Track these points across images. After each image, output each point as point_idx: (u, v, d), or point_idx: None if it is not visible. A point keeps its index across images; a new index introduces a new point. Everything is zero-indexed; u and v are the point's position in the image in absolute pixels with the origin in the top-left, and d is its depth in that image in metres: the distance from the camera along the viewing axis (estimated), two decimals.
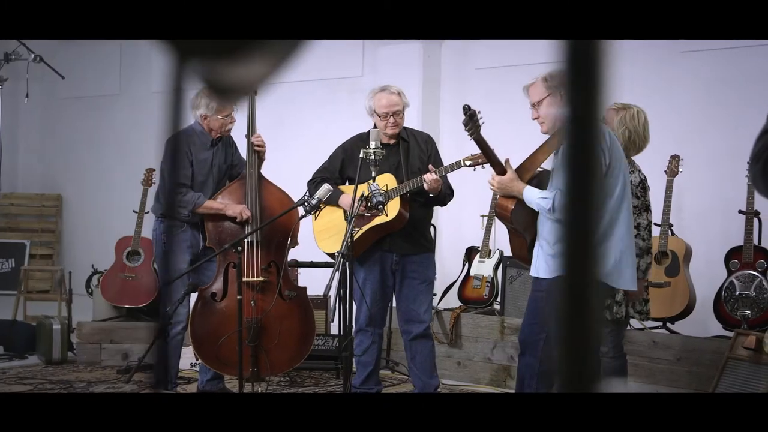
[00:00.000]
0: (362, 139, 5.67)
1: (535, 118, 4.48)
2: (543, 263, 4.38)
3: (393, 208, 5.34)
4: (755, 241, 5.96)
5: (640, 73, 7.60)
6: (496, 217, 4.57)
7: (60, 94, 11.15)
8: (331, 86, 9.33)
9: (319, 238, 5.61)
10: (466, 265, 7.10)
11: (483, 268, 6.95)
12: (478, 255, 7.02)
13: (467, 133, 4.38)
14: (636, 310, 5.08)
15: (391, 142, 5.59)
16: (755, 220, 5.98)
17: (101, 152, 10.99)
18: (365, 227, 5.30)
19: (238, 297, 5.04)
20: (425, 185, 5.25)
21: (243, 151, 6.04)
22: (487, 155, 4.43)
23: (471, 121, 4.27)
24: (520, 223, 4.46)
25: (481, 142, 4.42)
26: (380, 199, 4.86)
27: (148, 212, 7.47)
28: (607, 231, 4.26)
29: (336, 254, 4.67)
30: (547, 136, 4.67)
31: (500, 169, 4.39)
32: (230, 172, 5.94)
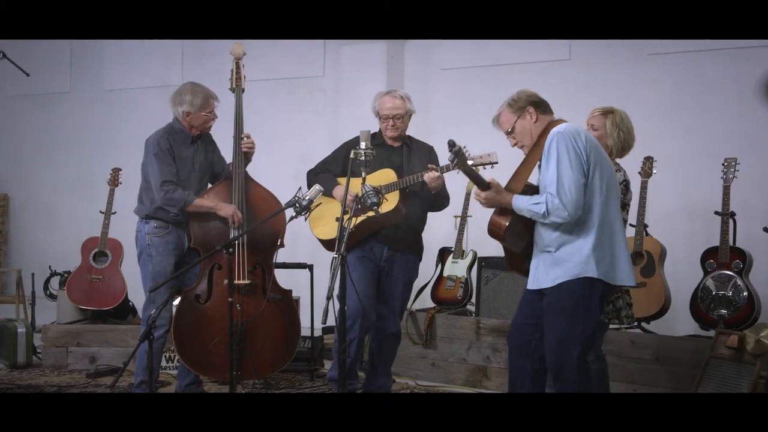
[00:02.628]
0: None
1: (515, 145, 4.52)
2: (544, 274, 4.39)
3: (391, 201, 5.34)
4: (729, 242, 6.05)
5: (607, 74, 7.69)
6: (488, 234, 4.57)
7: (7, 91, 10.90)
8: (290, 85, 9.27)
9: (314, 225, 5.61)
10: (439, 265, 7.09)
11: (456, 268, 6.96)
12: (451, 256, 7.02)
13: (454, 167, 4.40)
14: (624, 315, 5.13)
15: (395, 144, 5.68)
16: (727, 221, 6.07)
17: (50, 151, 10.72)
18: (360, 218, 5.27)
19: (230, 300, 4.95)
20: (426, 179, 5.29)
21: (224, 150, 5.96)
22: (474, 179, 4.44)
23: (457, 156, 4.28)
24: (514, 239, 4.47)
25: (468, 172, 4.43)
26: (374, 200, 4.83)
27: (115, 213, 7.34)
28: (600, 229, 4.28)
29: (334, 256, 4.62)
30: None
31: (485, 186, 4.40)
32: (210, 171, 5.86)
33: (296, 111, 9.19)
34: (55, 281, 8.15)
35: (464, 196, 7.01)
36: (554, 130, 4.28)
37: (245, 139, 5.71)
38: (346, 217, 4.74)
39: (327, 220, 5.51)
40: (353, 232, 4.97)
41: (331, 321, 4.78)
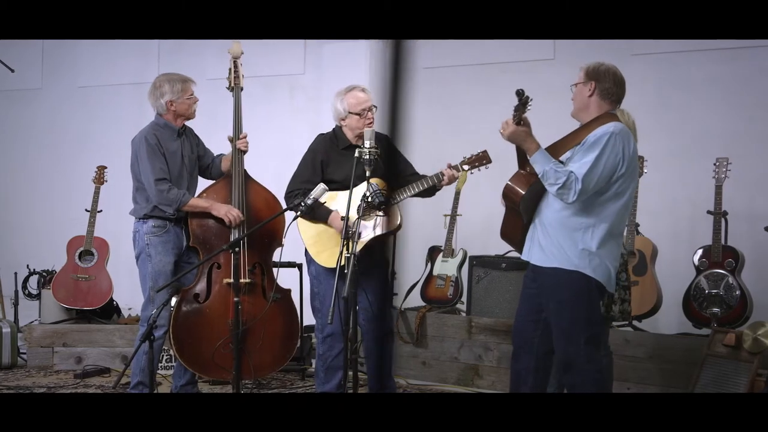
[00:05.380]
0: (329, 139, 5.57)
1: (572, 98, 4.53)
2: (538, 250, 4.41)
3: (397, 212, 5.29)
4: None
5: None
6: (502, 199, 4.53)
7: None
8: (270, 83, 9.21)
9: (314, 251, 5.41)
10: (429, 264, 7.09)
11: (447, 267, 6.96)
12: (441, 254, 7.02)
13: (514, 116, 4.35)
14: (618, 310, 5.16)
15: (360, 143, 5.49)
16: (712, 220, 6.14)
17: (20, 148, 10.54)
18: (374, 235, 5.25)
19: (235, 300, 4.90)
20: (445, 181, 5.23)
21: (218, 148, 5.94)
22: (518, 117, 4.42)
23: (522, 107, 4.27)
24: (525, 208, 4.47)
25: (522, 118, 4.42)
26: (381, 199, 4.80)
27: (101, 211, 7.24)
28: (607, 237, 4.31)
29: (346, 256, 4.55)
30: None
31: (519, 122, 4.39)
32: (198, 164, 5.84)
33: (276, 109, 9.13)
34: (33, 280, 8.03)
35: (454, 194, 7.01)
36: (611, 128, 4.25)
37: (242, 138, 5.69)
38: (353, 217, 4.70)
39: (329, 244, 5.36)
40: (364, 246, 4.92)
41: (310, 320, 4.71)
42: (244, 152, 5.71)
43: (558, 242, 4.33)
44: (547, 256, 4.38)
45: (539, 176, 4.31)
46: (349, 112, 5.50)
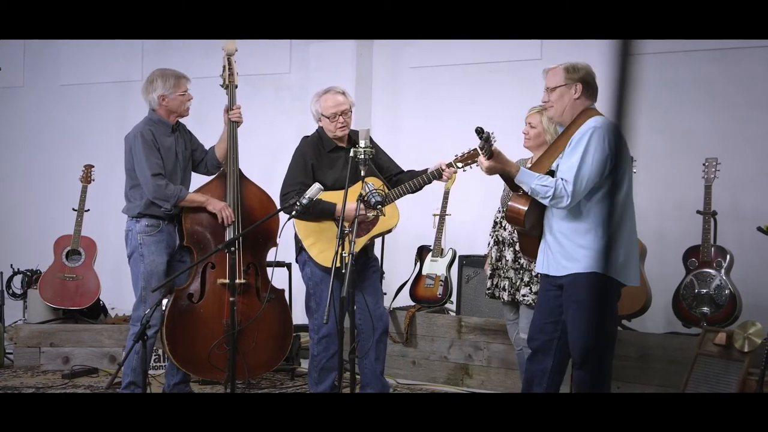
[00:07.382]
0: (315, 141, 5.54)
1: (545, 102, 4.51)
2: (553, 260, 4.42)
3: (394, 211, 5.28)
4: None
5: None
6: (506, 222, 4.53)
7: None
8: (255, 82, 9.16)
9: (314, 251, 5.35)
10: (418, 264, 7.09)
11: (436, 267, 6.95)
12: (431, 254, 7.02)
13: (483, 155, 4.35)
14: None
15: (345, 145, 5.49)
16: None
17: (2, 146, 10.46)
18: (371, 233, 5.23)
19: (231, 300, 4.87)
20: (445, 177, 5.22)
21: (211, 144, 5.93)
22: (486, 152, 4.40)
23: (486, 143, 4.25)
24: (532, 223, 4.48)
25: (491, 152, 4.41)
26: (378, 199, 4.80)
27: (88, 210, 7.19)
28: (617, 227, 4.32)
29: (345, 256, 4.54)
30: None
31: (489, 155, 4.38)
32: (192, 158, 5.82)
33: (262, 108, 9.07)
34: (17, 280, 7.97)
35: (443, 194, 7.01)
36: (592, 123, 4.26)
37: (235, 109, 5.74)
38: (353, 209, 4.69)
39: (327, 244, 5.29)
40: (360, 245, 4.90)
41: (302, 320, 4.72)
42: (238, 124, 5.74)
43: (571, 248, 4.33)
44: (563, 265, 4.38)
45: (530, 194, 4.34)
46: (322, 115, 5.48)
